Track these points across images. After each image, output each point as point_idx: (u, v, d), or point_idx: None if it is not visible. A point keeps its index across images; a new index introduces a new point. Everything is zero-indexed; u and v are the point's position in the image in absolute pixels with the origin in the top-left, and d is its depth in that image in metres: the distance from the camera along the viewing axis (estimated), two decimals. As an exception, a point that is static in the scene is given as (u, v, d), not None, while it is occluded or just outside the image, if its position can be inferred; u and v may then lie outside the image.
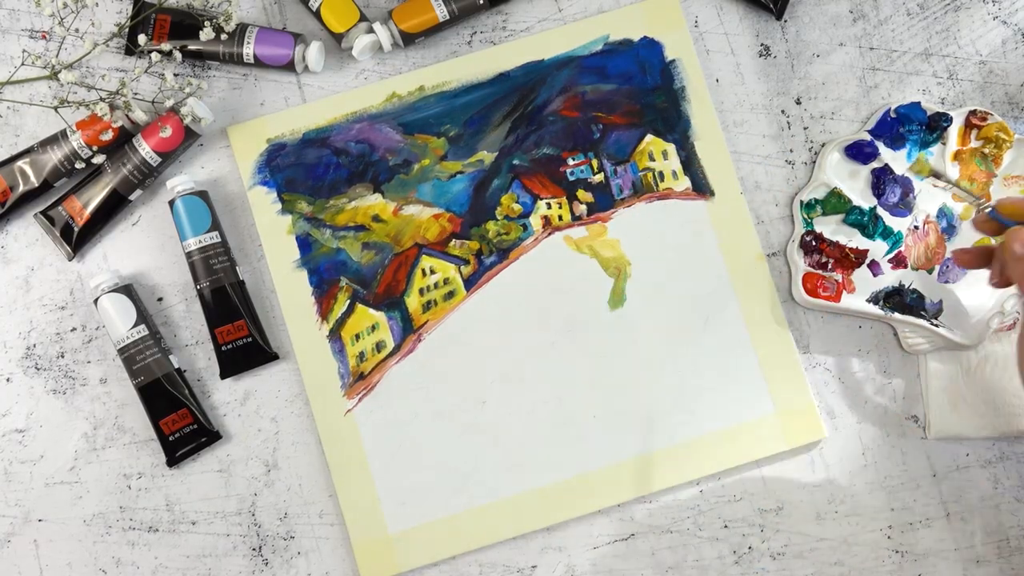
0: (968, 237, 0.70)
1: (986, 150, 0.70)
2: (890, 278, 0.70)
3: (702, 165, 0.71)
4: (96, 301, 0.67)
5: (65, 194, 0.69)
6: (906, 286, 0.70)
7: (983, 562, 0.69)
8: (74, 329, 0.70)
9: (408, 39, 0.70)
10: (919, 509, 0.69)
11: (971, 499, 0.69)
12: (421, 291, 0.70)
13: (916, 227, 0.70)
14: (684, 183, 0.71)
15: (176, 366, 0.68)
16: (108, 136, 0.68)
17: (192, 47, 0.69)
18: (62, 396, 0.69)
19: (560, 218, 0.70)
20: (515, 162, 0.71)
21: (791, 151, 0.71)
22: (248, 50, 0.69)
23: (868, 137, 0.70)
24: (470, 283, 0.70)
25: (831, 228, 0.70)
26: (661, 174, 0.71)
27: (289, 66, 0.70)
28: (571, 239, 0.70)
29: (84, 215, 0.68)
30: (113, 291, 0.67)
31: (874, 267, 0.70)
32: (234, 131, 0.71)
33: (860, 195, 0.70)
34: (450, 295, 0.70)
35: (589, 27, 0.71)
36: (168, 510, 0.68)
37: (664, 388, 0.69)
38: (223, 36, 0.69)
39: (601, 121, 0.71)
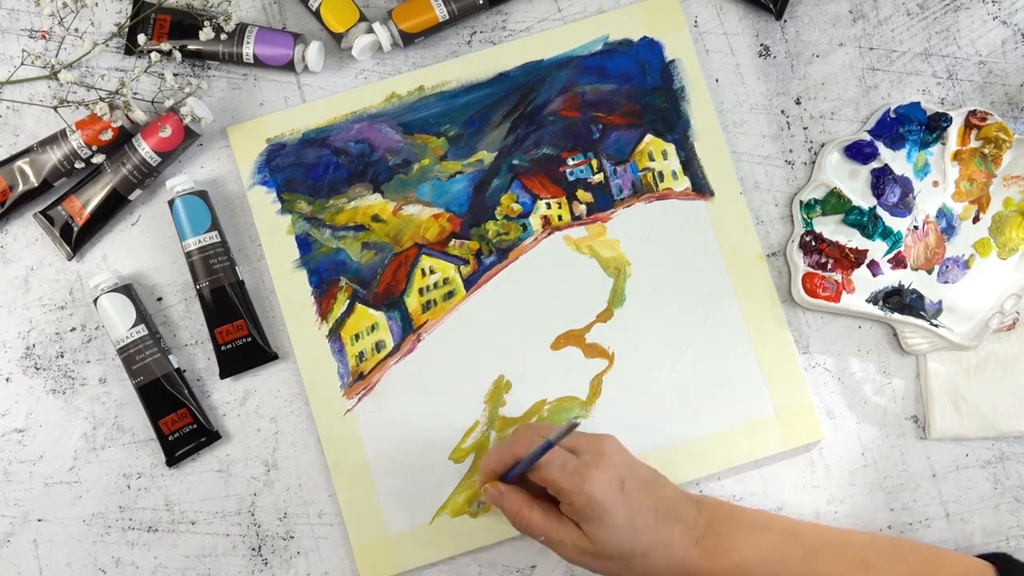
0: (968, 237, 0.70)
1: (986, 150, 0.70)
2: (890, 278, 0.70)
3: (702, 165, 0.71)
4: (95, 301, 0.67)
5: (64, 194, 0.69)
6: (906, 286, 0.70)
7: (983, 562, 0.69)
8: (73, 329, 0.70)
9: (408, 39, 0.70)
10: (919, 509, 0.69)
11: (971, 499, 0.69)
12: (421, 291, 0.70)
13: (916, 227, 0.70)
14: (684, 183, 0.71)
15: (176, 366, 0.68)
16: (108, 136, 0.68)
17: (192, 47, 0.69)
18: (61, 396, 0.69)
19: (560, 218, 0.70)
20: (515, 162, 0.71)
21: (791, 151, 0.71)
22: (248, 50, 0.69)
23: (868, 137, 0.70)
24: (470, 283, 0.70)
25: (831, 228, 0.70)
26: (661, 174, 0.71)
27: (289, 66, 0.70)
28: (571, 239, 0.70)
29: (84, 215, 0.68)
30: (112, 291, 0.67)
31: (874, 267, 0.70)
32: (234, 131, 0.71)
33: (860, 195, 0.70)
34: (450, 295, 0.70)
35: (589, 27, 0.71)
36: (168, 510, 0.68)
37: (663, 388, 0.69)
38: (223, 36, 0.69)
39: (601, 121, 0.71)
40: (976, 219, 0.70)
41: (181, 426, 0.67)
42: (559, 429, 0.56)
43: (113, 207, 0.69)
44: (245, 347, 0.68)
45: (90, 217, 0.68)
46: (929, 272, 0.70)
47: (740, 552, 0.59)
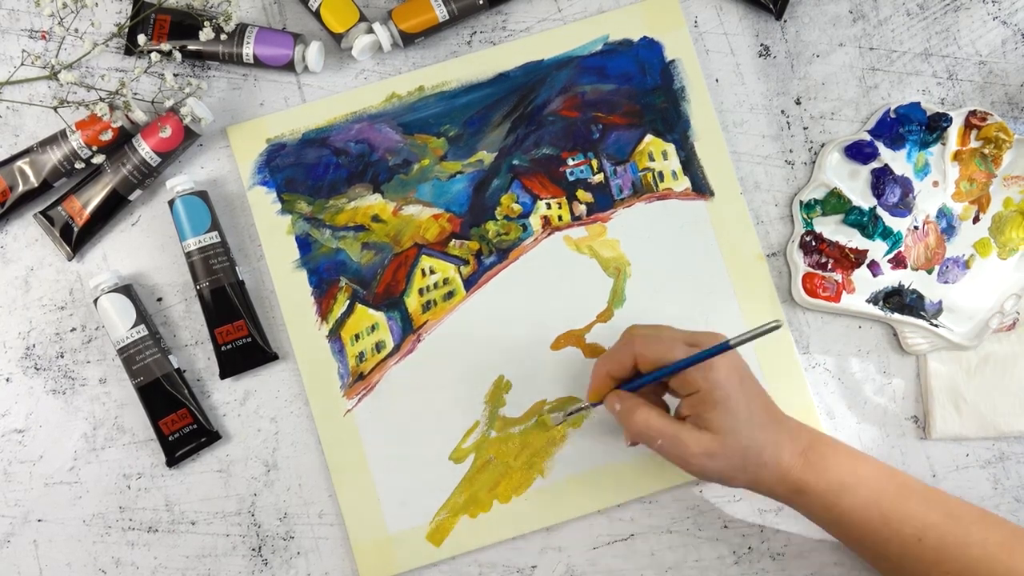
0: (968, 237, 0.70)
1: (986, 150, 0.70)
2: (890, 278, 0.70)
3: (702, 165, 0.71)
4: (95, 301, 0.67)
5: (65, 194, 0.69)
6: (906, 286, 0.70)
7: (983, 562, 0.69)
8: (74, 329, 0.70)
9: (408, 39, 0.70)
10: (919, 509, 0.69)
11: (971, 499, 0.69)
12: (421, 291, 0.70)
13: (916, 227, 0.70)
14: (684, 183, 0.71)
15: (176, 366, 0.68)
16: (108, 136, 0.68)
17: (192, 47, 0.69)
18: (61, 396, 0.69)
19: (560, 218, 0.70)
20: (515, 162, 0.71)
21: (791, 151, 0.71)
22: (248, 50, 0.69)
23: (868, 137, 0.70)
24: (470, 283, 0.70)
25: (831, 228, 0.70)
26: (661, 174, 0.71)
27: (289, 66, 0.70)
28: (571, 239, 0.70)
29: (84, 215, 0.68)
30: (113, 291, 0.67)
31: (874, 267, 0.70)
32: (234, 131, 0.71)
33: (860, 195, 0.70)
34: (450, 295, 0.70)
35: (589, 27, 0.71)
36: (168, 510, 0.68)
37: (664, 388, 0.69)
38: (223, 36, 0.69)
39: (601, 121, 0.71)
40: (976, 219, 0.70)
41: (181, 426, 0.67)
42: (746, 332, 0.56)
43: (113, 207, 0.69)
44: (245, 347, 0.68)
45: (90, 217, 0.68)
46: (929, 272, 0.70)
47: (840, 472, 0.60)
